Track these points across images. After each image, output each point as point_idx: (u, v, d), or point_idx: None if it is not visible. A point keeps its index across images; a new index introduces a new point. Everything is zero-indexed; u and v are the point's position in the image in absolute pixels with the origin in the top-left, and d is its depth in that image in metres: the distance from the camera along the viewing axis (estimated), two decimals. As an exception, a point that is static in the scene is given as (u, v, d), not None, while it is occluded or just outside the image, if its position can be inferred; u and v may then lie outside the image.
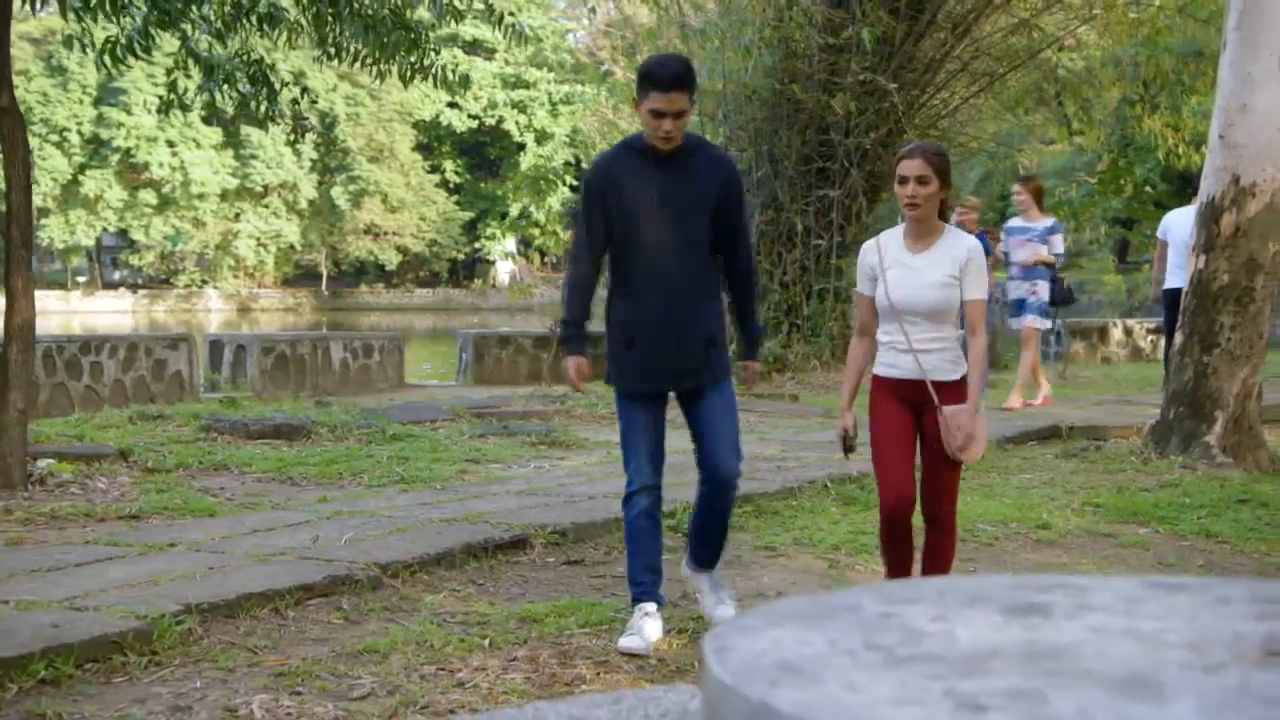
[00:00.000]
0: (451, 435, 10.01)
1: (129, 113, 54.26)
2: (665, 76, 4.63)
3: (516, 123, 62.36)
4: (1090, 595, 1.54)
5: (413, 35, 8.23)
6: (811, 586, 5.79)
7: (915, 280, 4.80)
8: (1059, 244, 11.90)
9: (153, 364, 12.59)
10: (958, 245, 4.83)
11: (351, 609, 5.24)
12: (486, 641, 4.85)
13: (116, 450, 8.49)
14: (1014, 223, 12.22)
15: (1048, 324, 12.29)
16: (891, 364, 4.91)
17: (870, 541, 6.39)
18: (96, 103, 56.41)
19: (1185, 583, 1.61)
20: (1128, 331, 20.60)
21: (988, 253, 10.82)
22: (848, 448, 5.08)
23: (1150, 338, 20.46)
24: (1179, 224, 11.33)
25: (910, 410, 4.90)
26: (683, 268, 4.81)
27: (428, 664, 4.62)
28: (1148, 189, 17.07)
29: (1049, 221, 12.04)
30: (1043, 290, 11.85)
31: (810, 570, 6.12)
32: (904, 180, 4.78)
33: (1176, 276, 11.02)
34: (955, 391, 4.82)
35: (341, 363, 14.58)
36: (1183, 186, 35.27)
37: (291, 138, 55.49)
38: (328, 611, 5.19)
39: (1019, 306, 12.02)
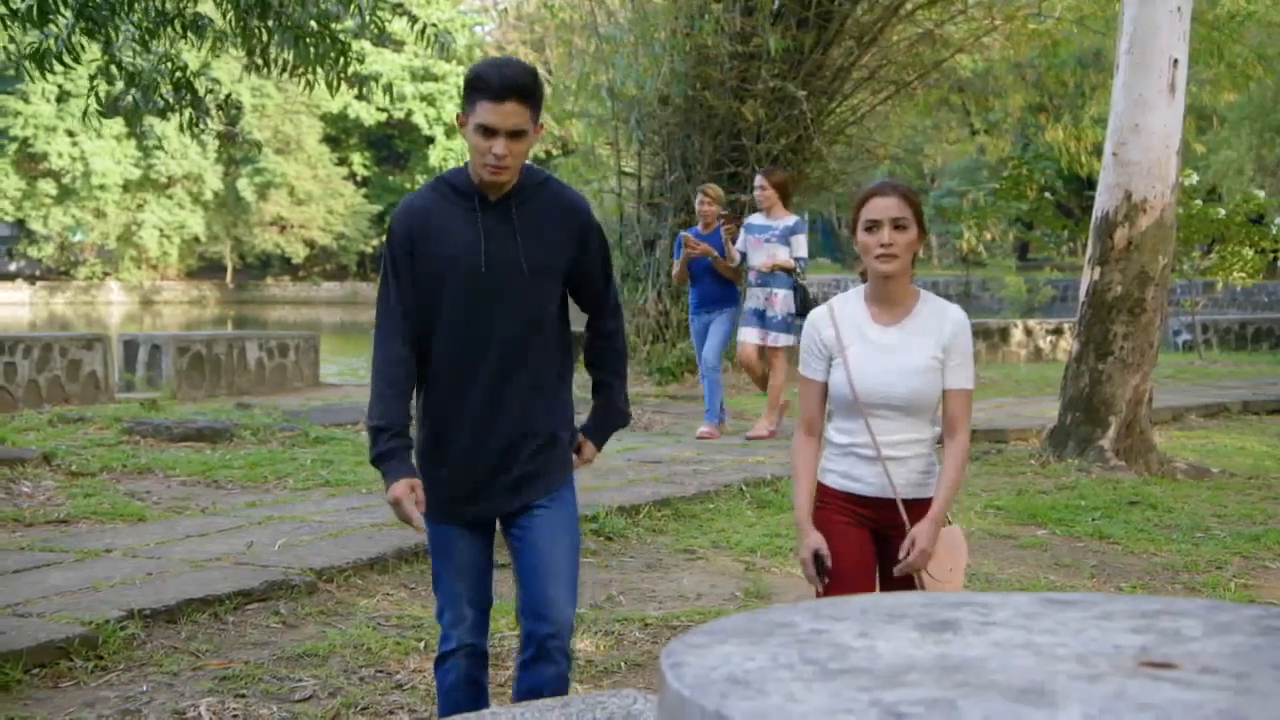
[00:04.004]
0: (373, 437, 10.15)
1: (26, 101, 53.17)
2: (498, 81, 3.43)
3: (425, 115, 62.07)
4: (993, 612, 1.79)
5: (340, 45, 8.38)
6: (730, 589, 6.07)
7: (887, 364, 3.67)
8: (801, 246, 10.17)
9: (68, 364, 12.56)
10: (941, 316, 3.72)
11: (289, 613, 5.41)
12: (421, 644, 5.05)
13: (40, 454, 8.55)
14: (753, 219, 10.41)
15: (791, 340, 10.14)
16: (850, 475, 3.77)
17: (785, 545, 6.68)
18: (-8, 90, 55.25)
19: (1074, 599, 1.87)
20: (1028, 332, 21.17)
21: (722, 253, 10.10)
22: (822, 574, 3.74)
23: (1050, 338, 21.05)
24: None
25: (872, 536, 3.79)
26: (518, 351, 3.61)
27: (366, 666, 4.82)
28: (1046, 194, 17.62)
29: (791, 220, 10.23)
30: (782, 300, 10.15)
31: (728, 573, 6.38)
32: (874, 225, 3.64)
33: None
34: (928, 510, 3.73)
35: (257, 362, 14.61)
36: (1081, 188, 36.19)
37: (217, 143, 54.99)
38: (266, 616, 5.37)
39: (758, 318, 10.25)
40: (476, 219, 3.59)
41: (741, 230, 10.36)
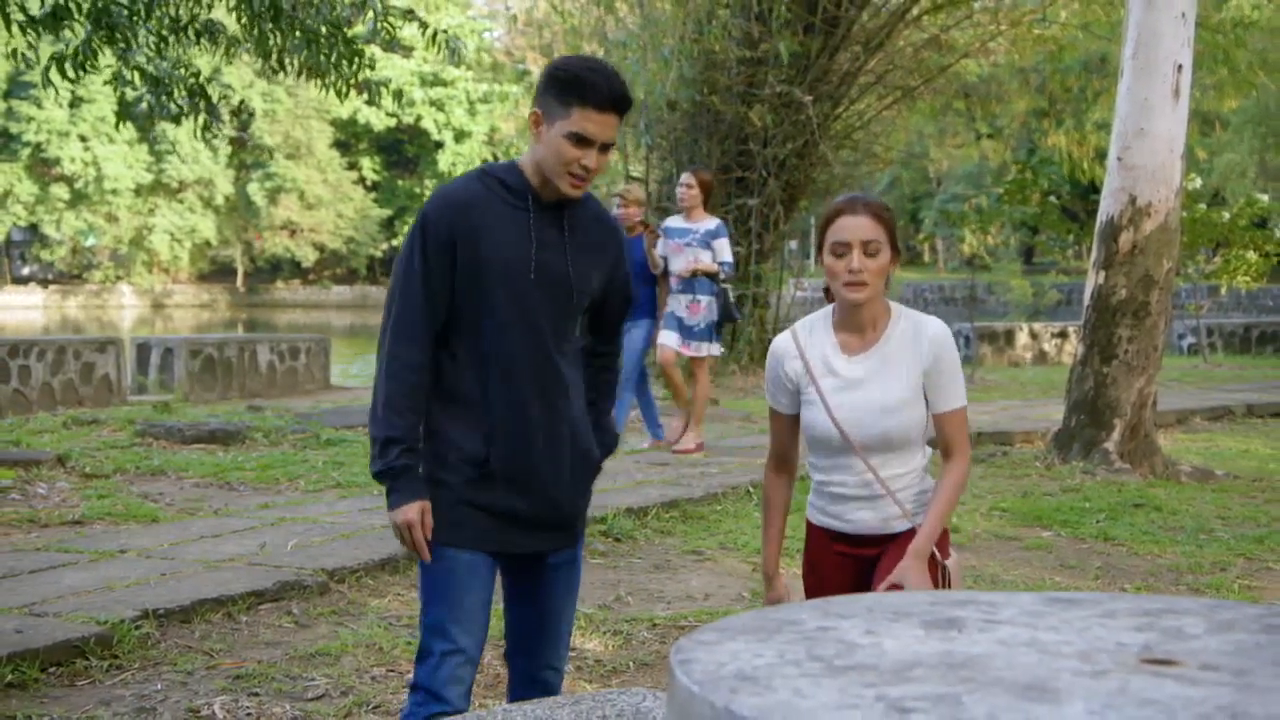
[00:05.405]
0: (383, 440, 10.21)
1: (39, 106, 53.40)
2: (606, 90, 3.12)
3: (435, 121, 62.19)
4: (998, 610, 1.82)
5: (353, 50, 8.44)
6: (738, 589, 6.11)
7: (856, 400, 3.30)
8: (726, 250, 9.59)
9: (81, 367, 12.65)
10: (917, 336, 3.31)
11: (301, 613, 5.46)
12: (433, 644, 5.10)
13: (54, 456, 8.63)
14: (672, 222, 9.83)
15: (716, 349, 9.94)
16: (827, 511, 3.45)
17: (792, 546, 6.71)
18: (5, 96, 55.42)
19: (1078, 598, 1.91)
20: (1033, 335, 21.19)
21: (640, 261, 9.28)
22: None
23: (1055, 341, 21.07)
24: None
25: (865, 574, 3.43)
26: (557, 372, 3.26)
27: (377, 665, 4.87)
28: (1051, 199, 17.66)
29: (713, 223, 9.65)
30: (705, 307, 9.60)
31: (735, 574, 6.43)
32: (843, 249, 3.23)
33: None
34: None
35: (269, 365, 14.69)
36: (1085, 193, 36.26)
37: (230, 149, 55.14)
38: (278, 616, 5.42)
39: (678, 325, 9.65)
40: (528, 222, 3.21)
41: (661, 234, 9.76)
